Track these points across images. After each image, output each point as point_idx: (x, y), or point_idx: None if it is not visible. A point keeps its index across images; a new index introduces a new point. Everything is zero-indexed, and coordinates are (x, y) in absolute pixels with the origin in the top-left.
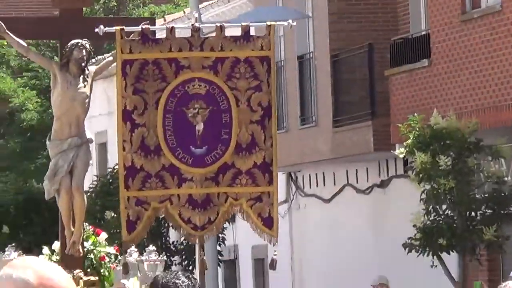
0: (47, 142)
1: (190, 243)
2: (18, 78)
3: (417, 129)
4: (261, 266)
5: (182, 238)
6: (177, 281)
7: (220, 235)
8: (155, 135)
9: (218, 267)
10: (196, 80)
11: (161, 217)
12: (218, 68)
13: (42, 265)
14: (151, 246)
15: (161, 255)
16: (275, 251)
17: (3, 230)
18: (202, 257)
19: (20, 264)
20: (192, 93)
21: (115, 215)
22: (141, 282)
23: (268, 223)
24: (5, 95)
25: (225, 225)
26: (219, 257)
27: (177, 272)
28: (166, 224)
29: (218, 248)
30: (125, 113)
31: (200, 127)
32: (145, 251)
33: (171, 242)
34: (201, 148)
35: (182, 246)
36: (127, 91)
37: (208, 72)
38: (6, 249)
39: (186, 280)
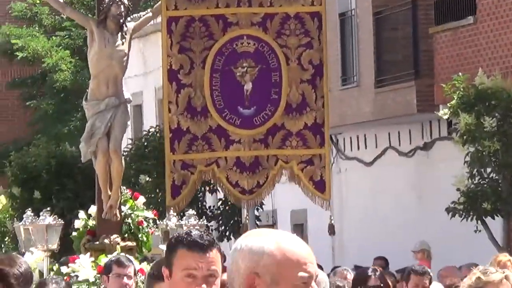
0: (84, 103)
1: (227, 208)
2: (52, 37)
3: (462, 89)
4: (300, 231)
5: (219, 203)
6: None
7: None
8: (202, 96)
9: None
10: (244, 38)
11: None
12: (267, 24)
13: (283, 236)
14: (190, 210)
15: (201, 220)
16: (331, 216)
17: (35, 195)
18: (246, 222)
19: (259, 235)
20: (241, 51)
21: (150, 179)
22: None
23: (320, 186)
24: (38, 55)
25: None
26: (257, 223)
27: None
28: (203, 189)
29: (256, 213)
30: (171, 73)
31: (248, 86)
32: (184, 215)
33: (207, 207)
34: (250, 109)
35: (218, 211)
36: (173, 50)
37: (257, 29)
38: (41, 213)
39: (198, 232)
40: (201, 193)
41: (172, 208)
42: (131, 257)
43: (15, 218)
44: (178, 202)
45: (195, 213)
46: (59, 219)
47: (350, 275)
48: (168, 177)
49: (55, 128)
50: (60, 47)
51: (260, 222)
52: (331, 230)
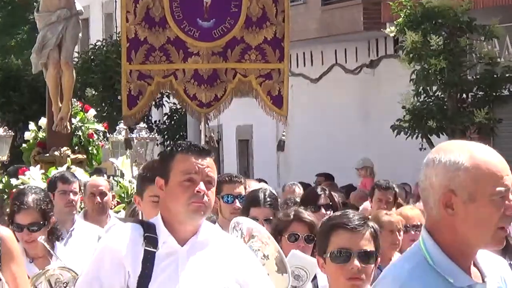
0: (35, 14)
1: (172, 122)
2: None
3: (409, 7)
4: (246, 147)
5: (165, 118)
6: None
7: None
8: (160, 6)
9: None
10: None
11: None
12: None
13: (477, 149)
14: (141, 123)
15: (151, 133)
16: (283, 131)
17: None
18: (211, 135)
19: (452, 149)
20: None
21: (96, 93)
22: (132, 159)
23: (278, 102)
24: None
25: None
26: (202, 137)
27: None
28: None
29: (201, 127)
30: None
31: None
32: (135, 129)
33: (153, 122)
34: (209, 21)
35: (164, 126)
36: None
37: None
38: None
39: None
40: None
41: (128, 118)
42: (81, 170)
43: None
44: (134, 112)
45: (146, 126)
46: (9, 131)
47: (299, 190)
48: (124, 87)
49: (1, 41)
50: None
51: (205, 137)
52: (281, 146)
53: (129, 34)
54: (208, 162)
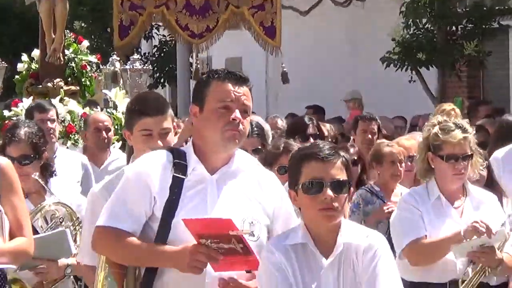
0: None
1: (162, 54)
2: None
3: None
4: None
5: (154, 50)
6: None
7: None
8: None
9: (190, 80)
10: None
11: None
12: None
13: None
14: (135, 55)
15: (145, 65)
16: (282, 63)
17: None
18: (197, 66)
19: None
20: None
21: (84, 25)
22: (130, 90)
23: (271, 32)
24: None
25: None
26: (191, 69)
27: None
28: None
29: (191, 60)
30: None
31: None
32: (129, 60)
33: (142, 54)
34: None
35: (153, 58)
36: None
37: None
38: None
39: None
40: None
41: (120, 49)
42: (74, 102)
43: None
44: (126, 43)
45: (140, 57)
46: (3, 62)
47: (281, 122)
48: (116, 17)
49: None
50: None
51: (195, 68)
52: (285, 77)
53: None
54: (244, 90)
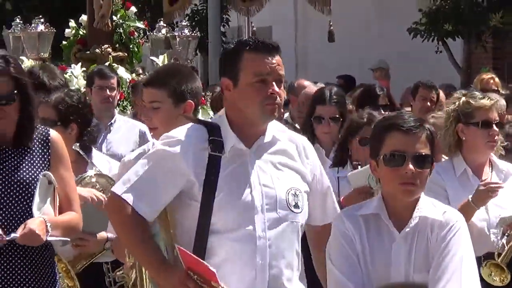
0: None
1: (193, 23)
2: None
3: None
4: None
5: (186, 18)
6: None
7: (224, 16)
8: None
9: (222, 47)
10: None
11: None
12: None
13: None
14: (184, 21)
15: (194, 31)
16: (330, 22)
17: (6, 6)
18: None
19: None
20: None
21: None
22: (171, 57)
23: None
24: None
25: (229, 6)
26: (223, 38)
27: None
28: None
29: (222, 29)
30: None
31: None
32: (177, 26)
33: (175, 23)
34: None
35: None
36: None
37: None
38: (33, 21)
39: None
40: None
41: (169, 15)
42: (122, 68)
43: (3, 26)
44: (175, 8)
45: (188, 24)
46: (51, 27)
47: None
48: None
49: None
50: None
51: (225, 38)
52: (331, 36)
53: None
54: (277, 60)
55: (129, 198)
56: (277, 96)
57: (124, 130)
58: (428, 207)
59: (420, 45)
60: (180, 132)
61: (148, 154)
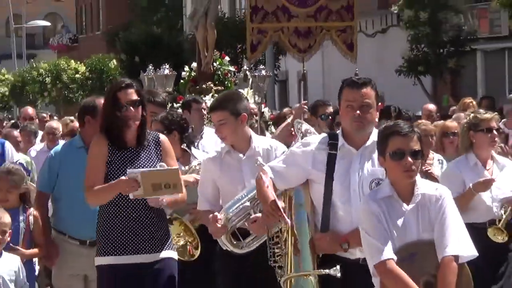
0: None
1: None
2: None
3: None
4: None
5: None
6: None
7: (276, 63)
8: None
9: (275, 85)
10: None
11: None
12: None
13: None
14: (261, 66)
15: (267, 71)
16: (356, 69)
17: (135, 59)
18: (303, 72)
19: None
20: None
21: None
22: (254, 91)
23: (350, 47)
24: None
25: (279, 57)
26: (276, 78)
27: None
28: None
29: (276, 72)
30: None
31: None
32: (256, 69)
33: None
34: None
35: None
36: None
37: None
38: (161, 67)
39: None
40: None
41: (251, 59)
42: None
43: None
44: (255, 55)
45: (264, 67)
46: (173, 71)
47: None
48: (248, 38)
49: (150, 17)
50: None
51: (277, 78)
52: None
53: (251, 3)
54: (363, 91)
55: (269, 174)
56: (360, 117)
57: (211, 138)
58: (424, 185)
59: (403, 80)
60: (313, 139)
61: (287, 152)
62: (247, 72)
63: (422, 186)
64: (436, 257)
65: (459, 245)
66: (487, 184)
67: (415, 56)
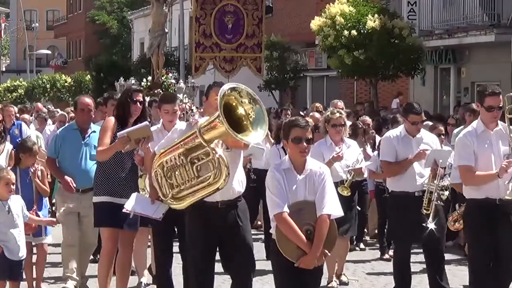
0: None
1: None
2: None
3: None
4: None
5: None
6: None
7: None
8: (209, 28)
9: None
10: (229, 5)
11: None
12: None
13: None
14: (192, 80)
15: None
16: (258, 85)
17: (101, 75)
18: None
19: None
20: (227, 10)
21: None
22: (187, 95)
23: (259, 70)
24: None
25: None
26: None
27: None
28: (204, 72)
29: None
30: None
31: (229, 25)
32: (188, 82)
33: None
34: (230, 35)
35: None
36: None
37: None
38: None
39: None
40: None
41: (195, 76)
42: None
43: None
44: (197, 74)
45: (193, 81)
46: (137, 81)
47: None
48: (193, 63)
49: (111, 50)
50: None
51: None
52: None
53: (196, 40)
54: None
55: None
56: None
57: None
58: (311, 163)
59: (262, 93)
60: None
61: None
62: (182, 84)
63: (311, 163)
64: (315, 213)
65: (332, 207)
66: (337, 159)
67: (269, 78)
